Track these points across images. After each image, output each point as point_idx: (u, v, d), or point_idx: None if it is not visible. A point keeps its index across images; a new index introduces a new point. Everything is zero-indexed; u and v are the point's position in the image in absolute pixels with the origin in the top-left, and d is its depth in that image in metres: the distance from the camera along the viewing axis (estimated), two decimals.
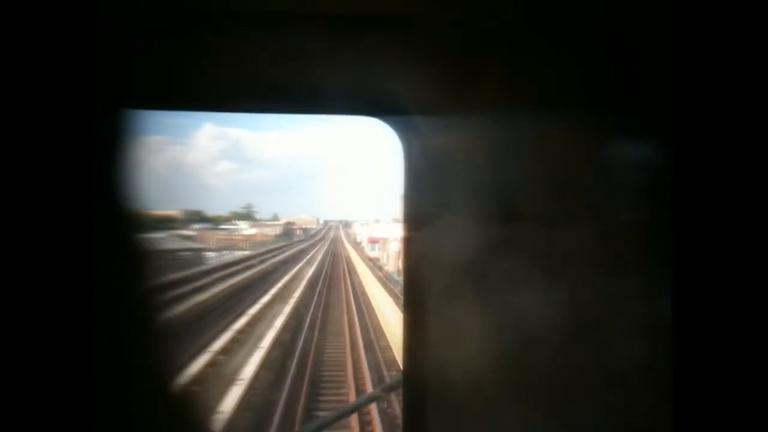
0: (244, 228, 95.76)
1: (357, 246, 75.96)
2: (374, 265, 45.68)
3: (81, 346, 0.82)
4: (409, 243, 2.32)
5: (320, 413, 11.82)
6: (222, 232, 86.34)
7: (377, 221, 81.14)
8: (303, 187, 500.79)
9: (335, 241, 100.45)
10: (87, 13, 0.82)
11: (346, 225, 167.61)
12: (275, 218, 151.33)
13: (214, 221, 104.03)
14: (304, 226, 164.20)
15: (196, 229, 79.84)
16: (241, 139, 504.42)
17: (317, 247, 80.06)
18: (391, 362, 16.09)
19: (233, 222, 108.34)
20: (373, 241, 63.12)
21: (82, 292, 0.81)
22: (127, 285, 1.03)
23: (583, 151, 1.38)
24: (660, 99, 1.05)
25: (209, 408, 10.17)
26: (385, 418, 11.42)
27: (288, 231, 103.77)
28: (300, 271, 42.59)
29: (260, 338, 18.22)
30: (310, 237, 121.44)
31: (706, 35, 0.94)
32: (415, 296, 2.28)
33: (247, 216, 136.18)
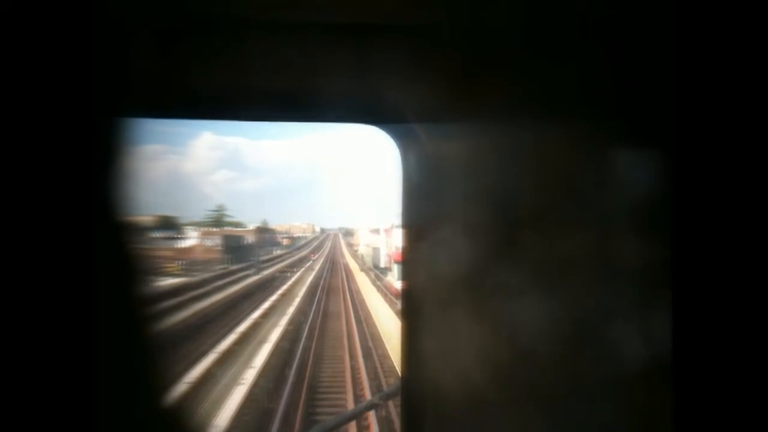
0: (192, 238, 62.15)
1: (377, 278, 40.26)
2: None
3: (81, 349, 0.82)
4: (407, 251, 2.30)
5: None
6: (161, 244, 55.32)
7: (397, 227, 48.44)
8: (301, 195, 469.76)
9: (333, 258, 66.65)
10: (86, 20, 0.81)
11: (348, 233, 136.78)
12: (264, 224, 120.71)
13: (181, 229, 74.10)
14: (294, 235, 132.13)
15: None
16: (239, 148, 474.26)
17: (291, 280, 45.65)
18: None
19: (185, 229, 75.06)
20: None
21: (80, 297, 0.81)
22: (123, 290, 1.02)
23: (582, 159, 1.37)
24: (660, 106, 1.04)
25: None
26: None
27: (259, 242, 68.33)
28: None
29: None
30: (294, 250, 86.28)
31: (706, 45, 0.95)
32: (414, 304, 2.27)
33: (218, 222, 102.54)
